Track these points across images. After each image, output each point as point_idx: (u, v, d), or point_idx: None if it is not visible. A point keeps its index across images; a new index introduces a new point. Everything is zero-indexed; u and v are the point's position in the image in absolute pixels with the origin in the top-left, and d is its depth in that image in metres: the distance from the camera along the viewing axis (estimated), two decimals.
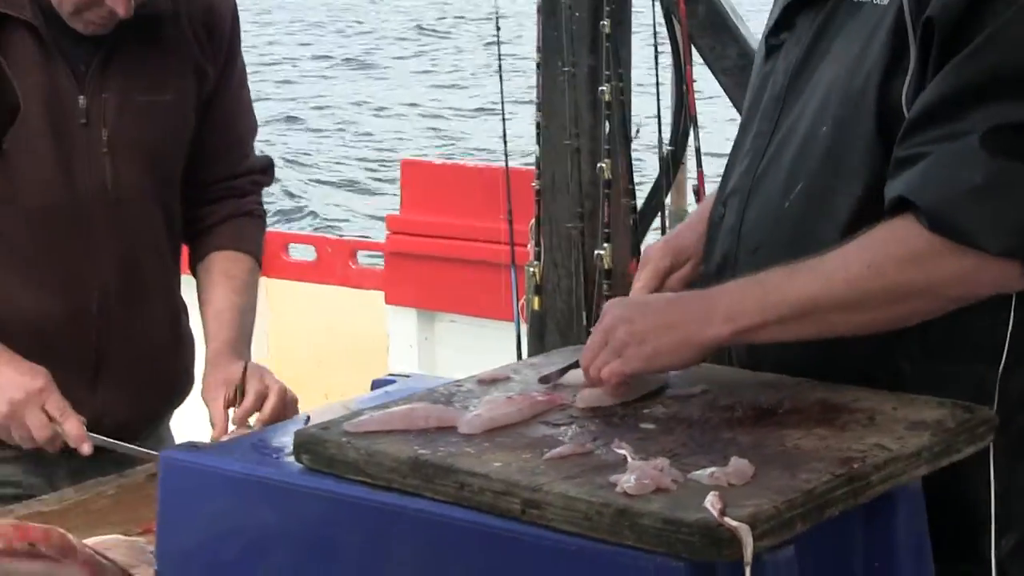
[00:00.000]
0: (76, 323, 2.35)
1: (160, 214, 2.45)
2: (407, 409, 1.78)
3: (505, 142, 3.83)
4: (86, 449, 2.24)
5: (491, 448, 1.66)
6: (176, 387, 2.47)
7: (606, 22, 3.50)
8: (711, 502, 1.48)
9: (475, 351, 4.08)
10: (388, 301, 4.35)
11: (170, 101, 2.41)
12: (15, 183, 2.31)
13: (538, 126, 3.67)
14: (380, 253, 4.51)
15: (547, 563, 1.54)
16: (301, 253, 4.78)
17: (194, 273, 2.56)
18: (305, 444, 1.74)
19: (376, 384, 2.16)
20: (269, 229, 4.76)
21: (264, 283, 4.64)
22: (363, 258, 4.58)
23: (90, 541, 1.71)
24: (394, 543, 1.65)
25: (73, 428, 2.23)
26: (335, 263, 4.53)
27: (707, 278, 2.04)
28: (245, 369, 2.32)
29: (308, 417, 1.94)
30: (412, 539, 1.63)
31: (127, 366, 2.41)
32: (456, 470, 1.61)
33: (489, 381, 1.93)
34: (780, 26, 2.02)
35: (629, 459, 1.59)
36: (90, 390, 2.33)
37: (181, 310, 2.55)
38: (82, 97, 2.32)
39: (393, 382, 2.14)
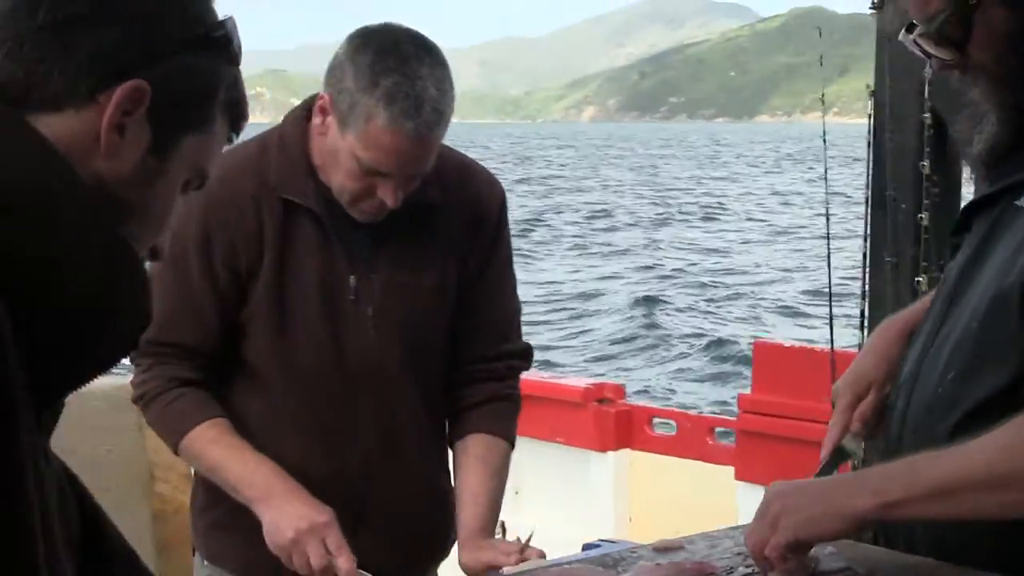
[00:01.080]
0: (338, 479, 2.60)
1: (418, 388, 2.66)
2: (560, 570, 1.97)
3: (832, 328, 3.94)
4: None
5: None
6: (435, 544, 2.67)
7: (924, 215, 3.60)
8: None
9: None
10: (738, 477, 4.49)
11: (431, 284, 2.63)
12: (292, 350, 2.59)
13: (862, 314, 3.78)
14: (732, 430, 4.66)
15: None
16: (662, 428, 5.00)
17: (452, 448, 2.76)
18: None
19: (585, 547, 2.35)
20: (636, 403, 5.05)
21: (628, 455, 4.92)
22: (718, 435, 4.75)
23: None
24: None
25: (345, 563, 2.46)
26: (693, 438, 4.72)
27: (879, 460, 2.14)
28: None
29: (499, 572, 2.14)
30: None
31: (387, 521, 2.64)
32: None
33: (663, 549, 2.09)
34: (960, 227, 2.13)
35: None
36: (350, 540, 2.51)
37: (442, 475, 2.75)
38: (352, 277, 2.58)
39: (599, 546, 2.32)
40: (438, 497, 2.71)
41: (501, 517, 4.93)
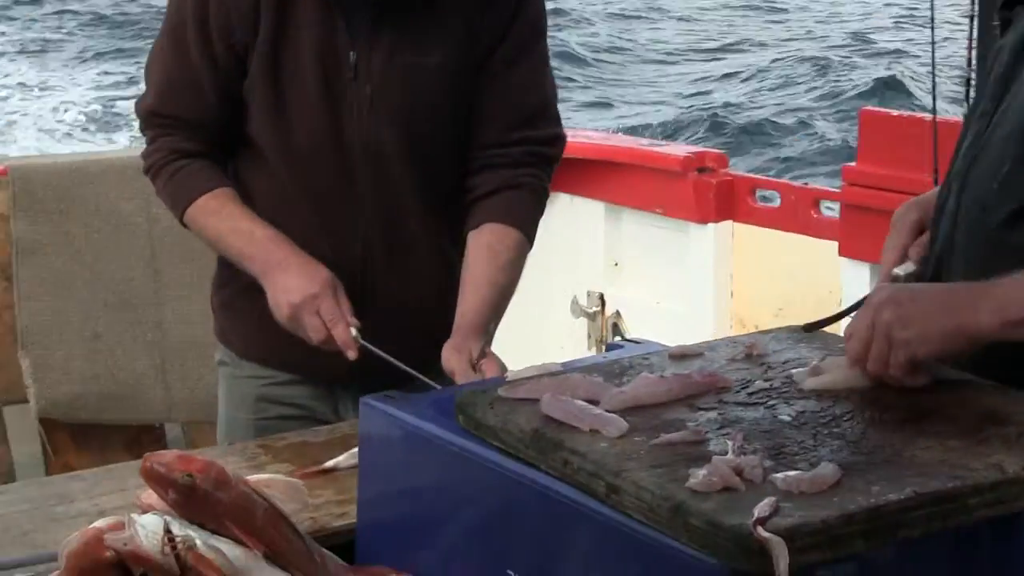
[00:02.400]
0: (340, 267, 2.49)
1: (420, 175, 2.53)
2: (561, 379, 1.81)
3: (934, 96, 3.66)
4: (351, 355, 2.39)
5: None
6: (441, 336, 2.52)
7: None
8: (759, 508, 1.44)
9: None
10: (842, 252, 4.26)
11: (435, 64, 2.48)
12: (290, 127, 2.47)
13: (967, 82, 3.48)
14: (837, 203, 4.41)
15: (626, 549, 1.55)
16: (767, 199, 4.76)
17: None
18: (461, 405, 1.81)
19: (609, 347, 2.19)
20: (737, 173, 4.81)
21: (730, 227, 4.70)
22: (824, 208, 4.50)
23: (252, 478, 1.85)
24: (515, 511, 1.70)
25: (340, 334, 2.39)
26: (797, 211, 4.48)
27: (931, 262, 1.92)
28: (483, 351, 2.37)
29: (504, 378, 2.00)
30: (529, 509, 1.67)
31: (390, 312, 2.53)
32: (564, 447, 1.64)
33: (679, 356, 1.92)
34: None
35: (716, 454, 1.56)
36: None
37: (448, 267, 2.59)
38: (352, 53, 2.45)
39: (622, 347, 2.16)
40: (444, 290, 2.56)
41: (599, 290, 4.85)
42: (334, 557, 1.85)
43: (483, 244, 2.52)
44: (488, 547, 1.74)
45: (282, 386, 2.64)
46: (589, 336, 4.96)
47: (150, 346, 4.17)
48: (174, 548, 1.72)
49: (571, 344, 4.92)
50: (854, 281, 4.20)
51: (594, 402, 1.73)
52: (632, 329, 4.81)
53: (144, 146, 2.62)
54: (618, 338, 2.28)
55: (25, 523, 2.08)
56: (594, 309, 4.97)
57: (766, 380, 1.82)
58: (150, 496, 1.83)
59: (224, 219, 2.51)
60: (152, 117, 2.56)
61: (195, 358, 4.08)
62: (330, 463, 2.24)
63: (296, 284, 2.42)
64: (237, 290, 2.59)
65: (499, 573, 1.70)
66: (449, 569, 1.80)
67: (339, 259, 2.50)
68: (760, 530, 1.40)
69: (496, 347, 2.50)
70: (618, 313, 4.94)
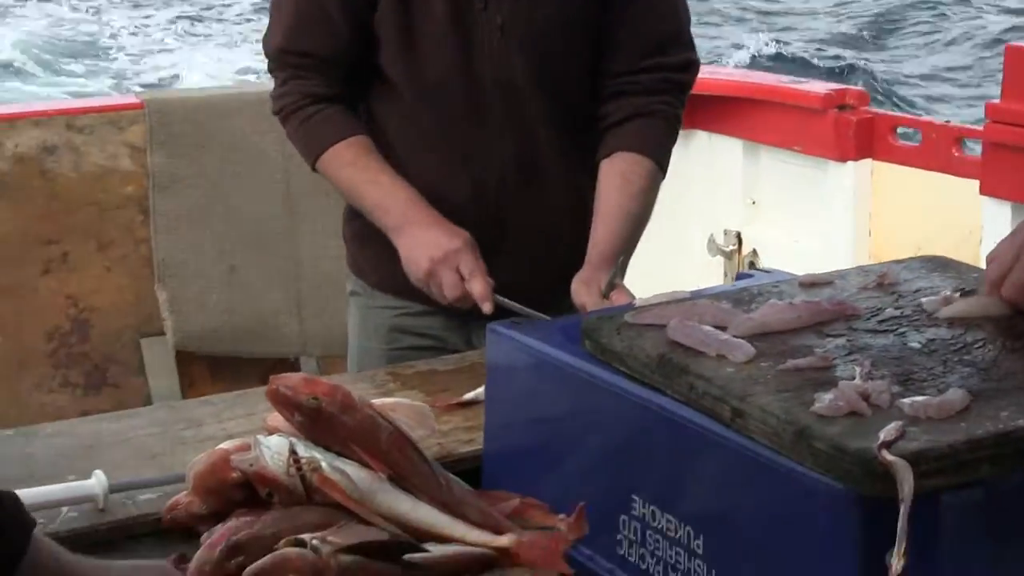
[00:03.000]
0: (476, 199, 2.50)
1: (553, 104, 2.52)
2: (688, 305, 1.80)
3: None
4: (487, 308, 2.38)
5: None
6: (576, 267, 2.50)
7: None
8: (885, 432, 1.41)
9: None
10: (983, 191, 4.17)
11: None
12: (420, 61, 2.47)
13: None
14: (979, 141, 4.31)
15: (751, 473, 1.53)
16: (907, 137, 4.66)
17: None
18: (587, 330, 1.80)
19: (739, 276, 2.17)
20: (878, 111, 4.72)
21: (870, 165, 4.62)
22: (966, 146, 4.39)
23: (377, 402, 1.86)
24: (640, 436, 1.69)
25: (478, 287, 2.38)
26: (938, 149, 4.39)
27: None
28: (612, 282, 2.35)
29: (632, 304, 1.99)
30: (654, 435, 1.67)
31: (526, 242, 2.54)
32: (689, 371, 1.63)
33: (808, 284, 1.89)
34: None
35: (842, 380, 1.54)
36: (492, 261, 2.45)
37: (582, 197, 2.57)
38: None
39: (752, 276, 2.14)
40: (578, 220, 2.54)
41: (736, 228, 4.81)
42: (460, 482, 1.86)
43: (615, 173, 2.50)
44: (613, 473, 1.74)
45: (415, 316, 2.65)
46: (725, 275, 4.93)
47: (285, 280, 4.22)
48: (299, 469, 1.74)
49: (706, 283, 4.89)
50: (995, 220, 4.12)
51: (721, 328, 1.72)
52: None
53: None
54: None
55: (154, 446, 2.12)
56: (731, 247, 4.93)
57: (897, 308, 1.79)
58: (276, 419, 1.86)
59: (360, 170, 2.50)
60: (282, 55, 2.55)
61: (330, 292, 4.12)
62: (469, 395, 2.22)
63: (436, 240, 2.42)
64: (369, 221, 2.59)
65: (624, 499, 1.70)
66: (574, 495, 1.79)
67: (473, 191, 2.51)
68: (885, 454, 1.38)
69: (630, 284, 2.48)
70: (755, 251, 4.89)
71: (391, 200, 2.47)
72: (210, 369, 4.23)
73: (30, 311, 4.19)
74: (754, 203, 4.97)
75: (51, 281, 4.21)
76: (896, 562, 1.33)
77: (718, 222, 4.97)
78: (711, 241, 4.97)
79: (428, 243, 2.42)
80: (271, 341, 4.24)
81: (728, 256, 4.95)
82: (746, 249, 4.96)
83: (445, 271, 2.40)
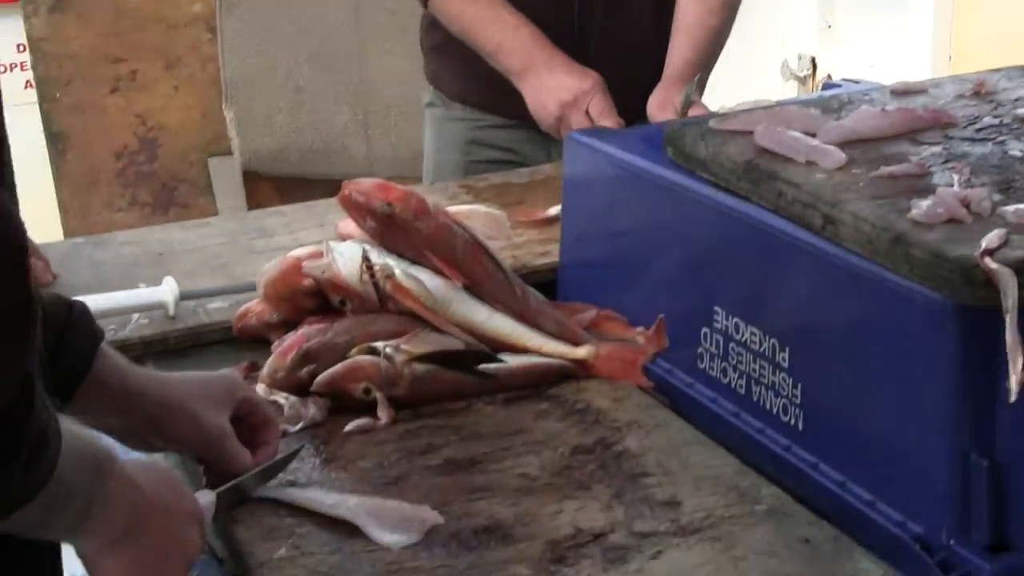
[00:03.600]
0: (558, 14, 2.43)
1: None
2: (776, 111, 1.72)
3: None
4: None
5: None
6: (657, 81, 2.43)
7: None
8: (988, 239, 1.34)
9: None
10: None
11: None
12: None
13: None
14: None
15: (842, 283, 1.47)
16: None
17: None
18: (670, 137, 1.73)
19: (825, 86, 2.09)
20: None
21: None
22: None
23: (452, 209, 1.81)
24: (724, 245, 1.63)
25: (611, 125, 2.32)
26: None
27: None
28: (689, 99, 2.27)
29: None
30: (739, 243, 1.60)
31: (607, 57, 2.46)
32: (778, 177, 1.55)
33: (901, 92, 1.81)
34: None
35: (941, 186, 1.46)
36: None
37: (664, 11, 2.50)
38: None
39: (839, 87, 2.05)
40: (660, 35, 2.47)
41: (811, 53, 4.68)
42: (536, 293, 1.81)
43: None
44: (694, 284, 1.68)
45: (495, 129, 2.59)
46: None
47: (353, 100, 4.15)
48: (372, 276, 1.70)
49: None
50: None
51: (810, 134, 1.63)
52: None
53: None
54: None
55: (224, 255, 2.09)
56: (804, 72, 4.81)
57: (995, 117, 1.70)
58: (348, 226, 1.82)
59: (483, 8, 2.42)
60: None
61: (398, 113, 4.06)
62: (552, 210, 2.15)
63: (568, 82, 2.35)
64: (449, 32, 2.51)
65: (705, 311, 1.65)
66: (653, 308, 1.75)
67: (557, 6, 2.44)
68: (988, 261, 1.30)
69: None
70: (829, 76, 4.77)
71: (517, 41, 2.39)
72: (277, 189, 4.19)
73: (99, 129, 4.16)
74: (829, 27, 4.83)
75: (119, 99, 4.17)
76: (1014, 378, 1.26)
77: (792, 47, 4.85)
78: (784, 66, 4.86)
79: (556, 87, 2.36)
80: (338, 162, 4.19)
81: (802, 81, 4.83)
82: (820, 75, 4.84)
83: (575, 114, 2.34)
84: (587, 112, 2.34)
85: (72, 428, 1.08)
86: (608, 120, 2.32)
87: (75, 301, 1.35)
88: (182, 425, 1.39)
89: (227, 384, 1.46)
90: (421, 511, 1.40)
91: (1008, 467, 1.31)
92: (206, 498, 1.35)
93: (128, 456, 1.31)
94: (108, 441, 1.33)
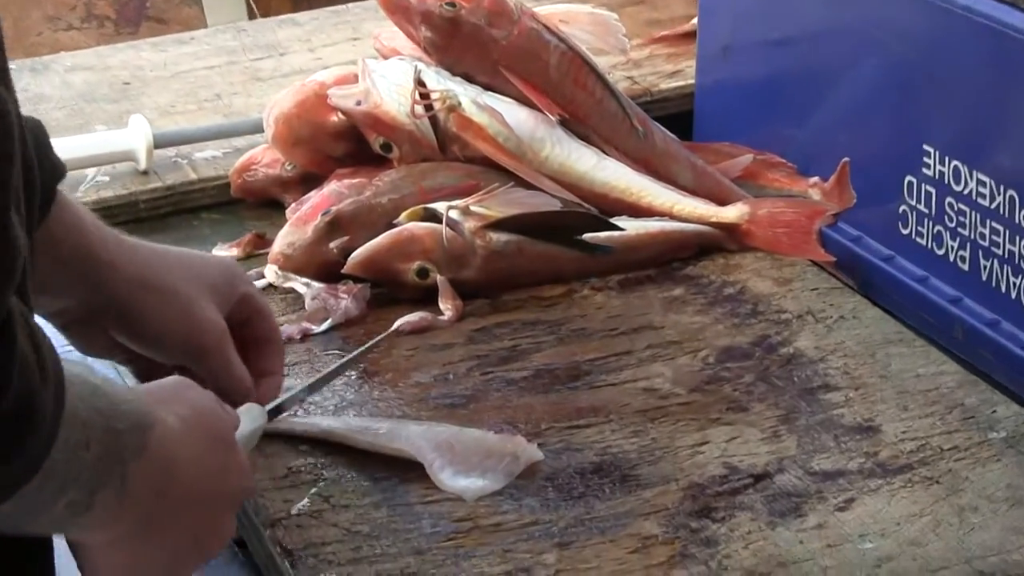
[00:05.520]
0: None
1: None
2: None
3: None
4: None
5: None
6: None
7: None
8: None
9: None
10: None
11: None
12: None
13: None
14: None
15: None
16: None
17: None
18: None
19: None
20: None
21: None
22: None
23: (542, 9, 1.79)
24: (943, 56, 1.62)
25: None
26: None
27: None
28: None
29: None
30: (964, 53, 1.59)
31: None
32: None
33: None
34: None
35: None
36: None
37: None
38: None
39: None
40: None
41: None
42: (663, 130, 1.80)
43: None
44: (893, 115, 1.67)
45: None
46: None
47: None
48: (429, 108, 1.69)
49: None
50: None
51: None
52: None
53: None
54: None
55: (218, 83, 2.09)
56: None
57: None
58: (393, 38, 1.81)
59: None
60: None
61: None
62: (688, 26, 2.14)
63: None
64: None
65: (910, 152, 1.64)
66: (831, 149, 1.74)
67: None
68: None
69: None
70: None
71: None
72: None
73: None
74: None
75: None
76: None
77: None
78: None
79: None
80: None
81: None
82: None
83: None
84: None
85: (87, 381, 1.01)
86: None
87: (33, 120, 1.25)
88: (166, 318, 1.32)
89: (227, 270, 1.40)
90: (511, 443, 1.38)
91: None
92: (255, 421, 1.27)
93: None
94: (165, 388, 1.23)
